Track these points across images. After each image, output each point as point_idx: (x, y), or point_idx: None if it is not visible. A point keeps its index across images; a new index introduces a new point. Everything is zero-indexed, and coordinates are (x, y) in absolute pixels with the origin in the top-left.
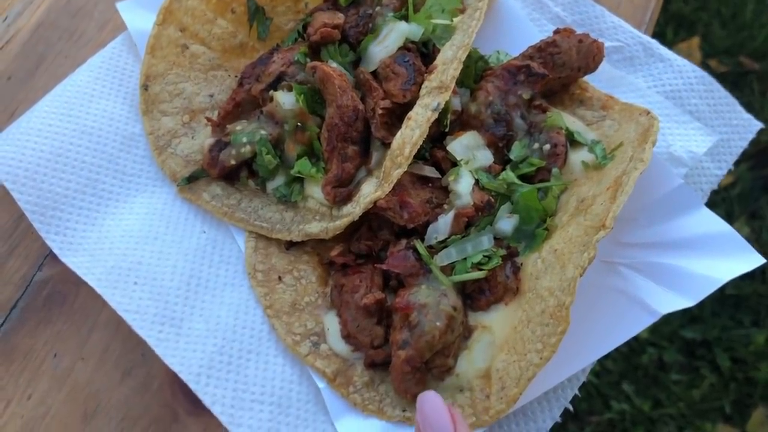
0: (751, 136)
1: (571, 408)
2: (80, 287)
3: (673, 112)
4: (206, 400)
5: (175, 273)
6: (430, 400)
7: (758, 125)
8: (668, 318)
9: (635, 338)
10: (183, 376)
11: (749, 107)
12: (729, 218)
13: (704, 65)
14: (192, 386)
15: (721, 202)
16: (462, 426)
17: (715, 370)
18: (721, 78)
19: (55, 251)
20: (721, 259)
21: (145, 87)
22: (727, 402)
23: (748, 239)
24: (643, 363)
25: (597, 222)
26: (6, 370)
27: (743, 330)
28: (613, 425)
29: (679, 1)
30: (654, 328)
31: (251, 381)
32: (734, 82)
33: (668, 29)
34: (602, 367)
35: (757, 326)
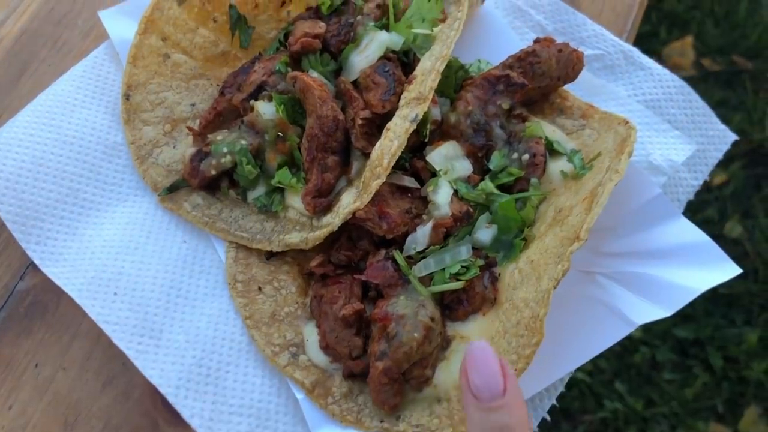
0: (726, 147)
1: (548, 418)
2: (62, 297)
3: (653, 120)
4: (185, 414)
5: (156, 283)
6: (481, 347)
7: (733, 137)
8: None
9: (628, 337)
10: (162, 390)
11: (742, 107)
12: (722, 217)
13: (697, 64)
14: (171, 399)
15: (713, 201)
16: (511, 378)
17: (707, 369)
18: (715, 77)
19: (36, 262)
20: (699, 269)
21: (126, 96)
22: (720, 401)
23: (741, 239)
24: (636, 362)
25: (572, 233)
26: None
27: (736, 329)
28: (605, 424)
29: None
30: (647, 327)
31: (230, 393)
32: (727, 80)
33: (661, 28)
34: (595, 366)
35: (750, 325)
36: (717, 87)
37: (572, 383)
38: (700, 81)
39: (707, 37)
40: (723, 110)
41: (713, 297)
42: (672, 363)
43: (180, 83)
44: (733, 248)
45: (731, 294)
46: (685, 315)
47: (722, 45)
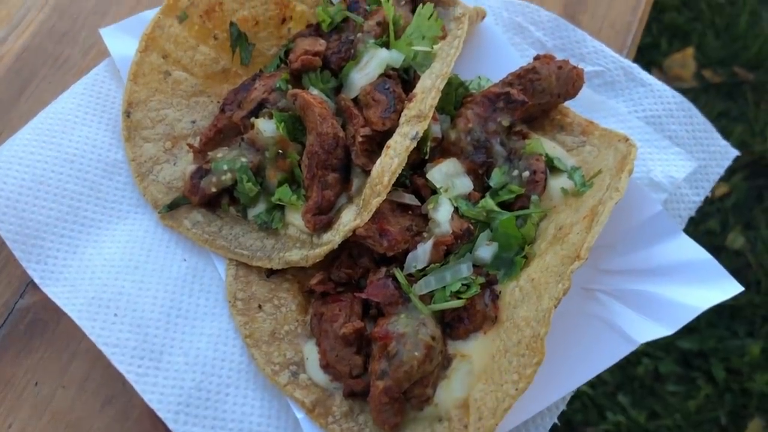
0: (727, 163)
1: None
2: (62, 314)
3: (654, 137)
4: None
5: (156, 304)
6: None
7: (734, 152)
8: None
9: None
10: (161, 414)
11: (743, 118)
12: (724, 229)
13: (699, 75)
14: (170, 425)
15: (715, 212)
16: None
17: (710, 381)
18: (716, 88)
19: (36, 280)
20: (700, 287)
21: (127, 113)
22: (723, 413)
23: (743, 250)
24: (639, 374)
25: (573, 252)
26: None
27: (739, 341)
28: None
29: (673, 11)
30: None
31: (229, 417)
32: (728, 92)
33: (662, 40)
34: (597, 378)
35: (753, 337)
36: (718, 98)
37: (575, 395)
38: (701, 92)
39: (708, 48)
40: (724, 122)
41: (716, 309)
42: (675, 375)
43: (181, 100)
44: (735, 260)
45: (734, 306)
46: (688, 327)
47: (723, 56)
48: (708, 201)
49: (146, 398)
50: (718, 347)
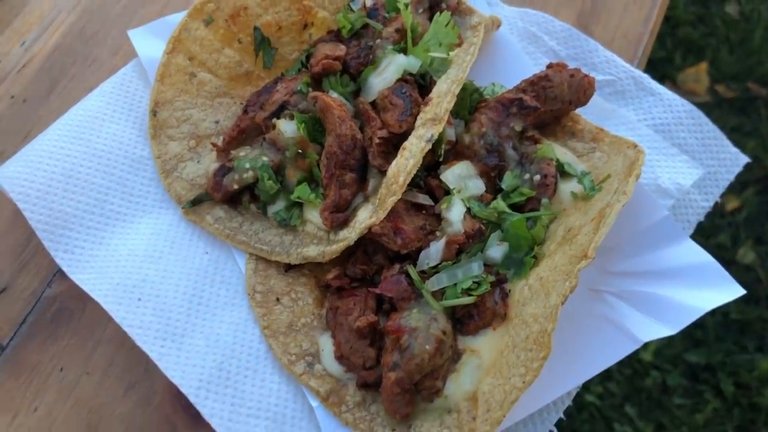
0: (738, 169)
1: (555, 431)
2: (87, 303)
3: (662, 145)
4: (205, 413)
5: (178, 291)
6: None
7: (745, 159)
8: (672, 341)
9: (639, 361)
10: (183, 389)
11: (756, 133)
12: (735, 243)
13: (712, 90)
14: (192, 399)
15: (727, 227)
16: None
17: (718, 395)
18: (729, 103)
19: (64, 269)
20: (703, 289)
21: (153, 113)
22: (731, 427)
23: (754, 265)
24: (647, 386)
25: (580, 252)
26: (14, 382)
27: (747, 355)
28: None
29: (687, 26)
30: (658, 351)
31: (248, 397)
32: (741, 107)
33: (676, 54)
34: (605, 390)
35: (762, 352)
36: (731, 113)
37: (582, 406)
38: (714, 107)
39: (722, 63)
40: (737, 136)
41: (725, 322)
42: (683, 388)
43: (205, 101)
44: (745, 274)
45: (743, 320)
46: (696, 340)
47: (737, 72)
48: (719, 215)
49: (169, 375)
50: (726, 361)
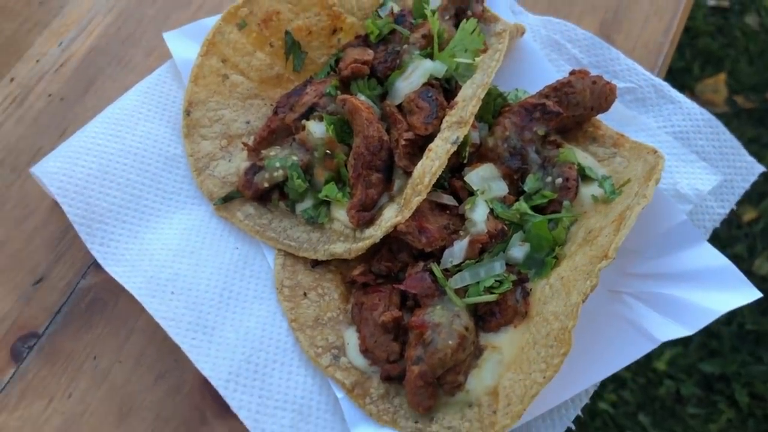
0: (753, 178)
1: (573, 427)
2: (120, 295)
3: (681, 151)
4: (233, 405)
5: (209, 285)
6: None
7: (761, 168)
8: (686, 351)
9: (653, 370)
10: (213, 381)
11: None
12: (751, 254)
13: (730, 101)
14: (221, 391)
15: (743, 237)
16: None
17: (733, 406)
18: (747, 114)
19: (99, 261)
20: (720, 291)
21: (187, 112)
22: None
23: None
24: (661, 395)
25: (601, 252)
26: (50, 369)
27: (763, 366)
28: None
29: (706, 37)
30: (672, 361)
31: (275, 389)
32: (760, 118)
33: (695, 65)
34: (619, 398)
35: None
36: (749, 124)
37: (595, 414)
38: (732, 117)
39: (741, 74)
40: (755, 147)
41: (740, 333)
42: (697, 398)
43: (237, 102)
44: (761, 285)
45: (758, 331)
46: (711, 350)
47: (755, 83)
48: (736, 226)
49: (199, 366)
50: (741, 372)
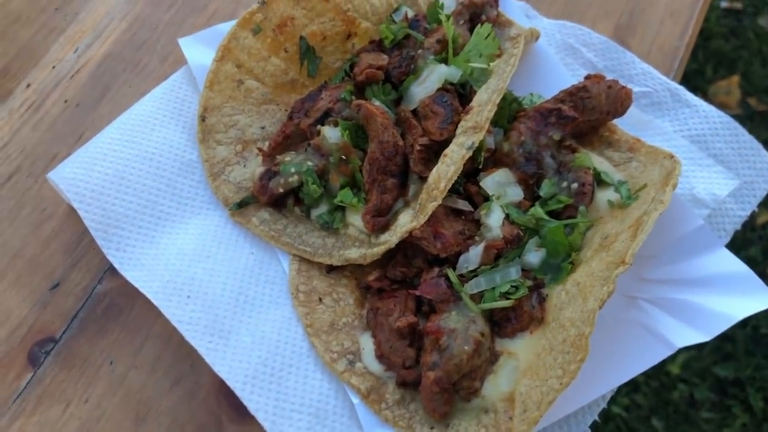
0: None
1: None
2: (136, 301)
3: (698, 155)
4: (251, 407)
5: (225, 289)
6: None
7: None
8: (700, 355)
9: (666, 374)
10: (230, 383)
11: None
12: (765, 257)
13: (744, 103)
14: (238, 393)
15: (757, 240)
16: None
17: (747, 410)
18: (761, 116)
19: (116, 266)
20: (738, 297)
21: (202, 118)
22: None
23: None
24: (674, 399)
25: (618, 258)
26: (66, 374)
27: None
28: None
29: (719, 39)
30: (686, 365)
31: (291, 392)
32: None
33: (708, 67)
34: (632, 402)
35: None
36: (763, 126)
37: (609, 418)
38: (745, 120)
39: (754, 76)
40: None
41: (754, 336)
42: (711, 402)
43: (252, 107)
44: None
45: None
46: (725, 354)
47: None
48: (750, 228)
49: (216, 369)
50: (755, 376)
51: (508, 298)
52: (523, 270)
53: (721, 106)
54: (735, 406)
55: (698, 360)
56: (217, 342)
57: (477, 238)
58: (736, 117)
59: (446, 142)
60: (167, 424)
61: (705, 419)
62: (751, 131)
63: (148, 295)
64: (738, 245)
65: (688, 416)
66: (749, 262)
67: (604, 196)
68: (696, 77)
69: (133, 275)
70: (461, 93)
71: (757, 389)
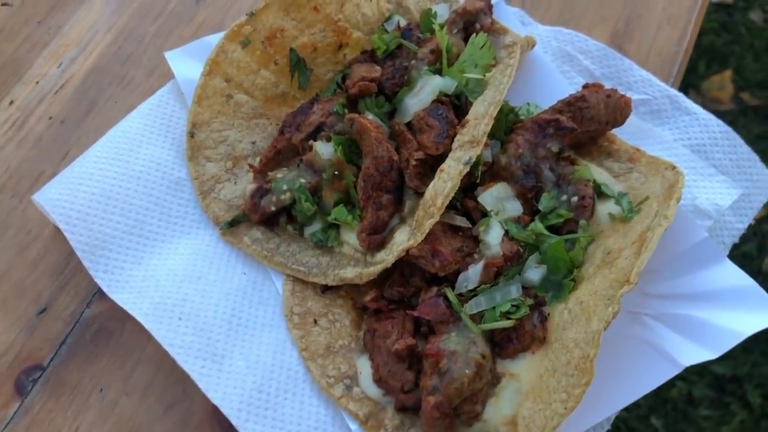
0: None
1: None
2: (126, 324)
3: (699, 165)
4: None
5: (218, 311)
6: None
7: None
8: None
9: None
10: (225, 411)
11: None
12: (760, 253)
13: (736, 98)
14: (233, 421)
15: (752, 236)
16: None
17: (745, 407)
18: (754, 111)
19: (104, 288)
20: (744, 312)
21: (191, 134)
22: None
23: None
24: (672, 397)
25: (622, 276)
26: (55, 402)
27: None
28: None
29: (711, 34)
30: None
31: (287, 419)
32: (766, 115)
33: (700, 62)
34: None
35: None
36: (756, 121)
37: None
38: (739, 115)
39: (746, 71)
40: (763, 144)
41: (752, 334)
42: (709, 399)
43: (242, 122)
44: None
45: None
46: None
47: (761, 79)
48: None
49: (210, 396)
50: (753, 373)
51: (509, 318)
52: (523, 288)
53: (715, 101)
54: (733, 403)
55: None
56: (210, 366)
57: (476, 256)
58: (729, 112)
59: (442, 156)
60: None
61: (703, 417)
62: (744, 126)
63: (138, 318)
64: None
65: (686, 414)
66: (744, 257)
67: (605, 208)
68: (689, 73)
69: (121, 297)
70: (456, 104)
71: (755, 386)
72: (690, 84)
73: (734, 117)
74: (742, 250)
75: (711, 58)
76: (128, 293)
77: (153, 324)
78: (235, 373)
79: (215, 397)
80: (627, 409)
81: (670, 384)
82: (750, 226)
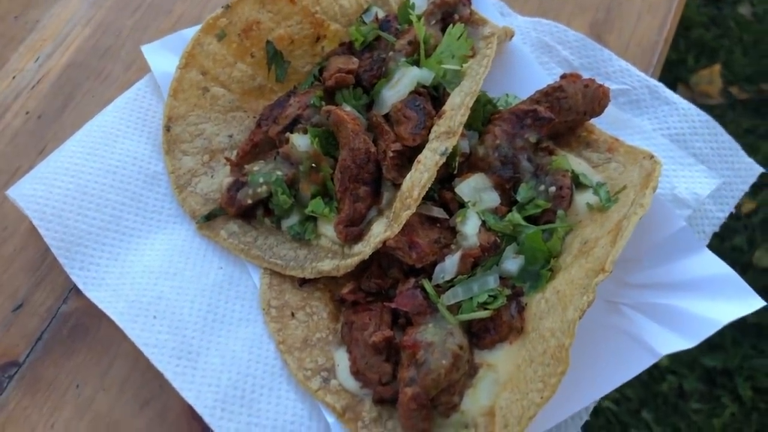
0: (752, 179)
1: None
2: (102, 320)
3: (678, 154)
4: None
5: (193, 308)
6: None
7: (759, 169)
8: None
9: (655, 365)
10: (198, 410)
11: None
12: (750, 246)
13: (725, 92)
14: (207, 419)
15: (742, 229)
16: None
17: (736, 400)
18: (743, 105)
19: (80, 286)
20: (722, 301)
21: (167, 128)
22: None
23: None
24: (663, 391)
25: (598, 265)
26: (31, 399)
27: (765, 359)
28: None
29: (700, 28)
30: (674, 356)
31: (263, 415)
32: (755, 109)
33: (689, 56)
34: (621, 395)
35: None
36: (745, 115)
37: (598, 411)
38: (728, 109)
39: (735, 65)
40: (751, 138)
41: (742, 326)
42: (699, 393)
43: (218, 115)
44: (761, 277)
45: (760, 323)
46: (712, 344)
47: (750, 73)
48: (734, 217)
49: (184, 395)
50: (743, 365)
51: (486, 308)
52: (501, 278)
53: (704, 95)
54: (724, 396)
55: (686, 351)
56: (185, 365)
57: (453, 247)
58: (718, 106)
59: (420, 148)
60: None
61: (694, 410)
62: (733, 120)
63: (113, 317)
64: (722, 235)
65: (677, 407)
66: (734, 251)
67: (583, 199)
68: (677, 67)
69: (97, 296)
70: (434, 95)
71: (745, 378)
72: (679, 78)
73: (723, 111)
74: (732, 244)
75: (700, 52)
76: (104, 291)
77: (127, 323)
78: (210, 370)
79: (189, 396)
80: (618, 403)
81: (660, 378)
82: (740, 219)
